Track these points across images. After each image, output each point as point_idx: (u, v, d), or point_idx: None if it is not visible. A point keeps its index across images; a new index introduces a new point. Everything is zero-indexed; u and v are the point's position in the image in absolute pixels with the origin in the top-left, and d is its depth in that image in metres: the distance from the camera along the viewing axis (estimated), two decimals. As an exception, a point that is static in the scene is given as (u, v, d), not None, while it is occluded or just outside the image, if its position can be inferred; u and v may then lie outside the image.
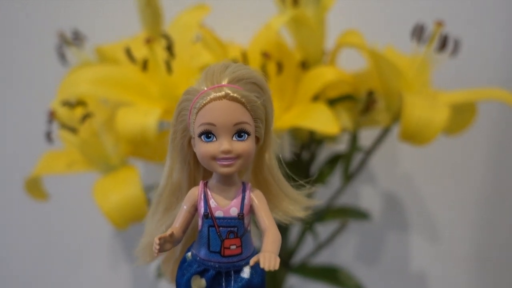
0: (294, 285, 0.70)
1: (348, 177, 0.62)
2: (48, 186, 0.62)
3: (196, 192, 0.34)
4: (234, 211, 0.33)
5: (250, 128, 0.32)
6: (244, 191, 0.34)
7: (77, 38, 0.61)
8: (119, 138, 0.55)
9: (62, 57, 0.60)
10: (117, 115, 0.50)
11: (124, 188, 0.52)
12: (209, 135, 0.32)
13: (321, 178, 0.63)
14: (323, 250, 0.66)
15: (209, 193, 0.33)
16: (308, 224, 0.63)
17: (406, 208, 0.76)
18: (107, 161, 0.56)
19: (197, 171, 0.35)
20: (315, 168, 0.64)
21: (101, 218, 0.52)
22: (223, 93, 0.32)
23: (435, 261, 0.76)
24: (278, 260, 0.31)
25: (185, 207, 0.34)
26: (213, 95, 0.32)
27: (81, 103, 0.55)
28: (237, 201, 0.33)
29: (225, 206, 0.33)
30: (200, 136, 0.32)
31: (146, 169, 0.67)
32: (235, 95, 0.32)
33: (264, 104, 0.33)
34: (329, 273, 0.66)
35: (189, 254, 0.34)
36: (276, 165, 0.35)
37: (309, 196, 0.36)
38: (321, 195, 0.65)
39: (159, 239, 0.32)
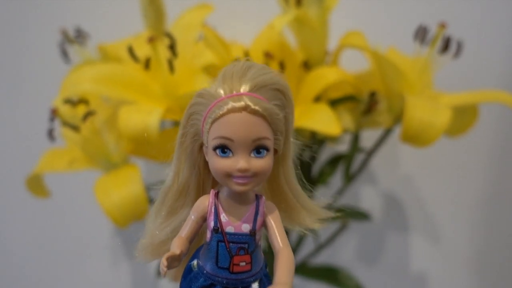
0: (294, 285, 0.70)
1: (349, 178, 0.62)
2: (50, 183, 0.62)
3: (206, 202, 0.31)
4: (246, 228, 0.31)
5: (269, 143, 0.29)
6: (257, 205, 0.31)
7: (79, 36, 0.61)
8: (121, 137, 0.55)
9: (64, 55, 0.60)
10: (119, 114, 0.50)
11: (125, 186, 0.52)
12: (225, 150, 0.29)
13: (322, 178, 0.63)
14: (323, 250, 0.66)
15: (220, 206, 0.31)
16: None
17: (407, 209, 0.76)
18: (108, 159, 0.56)
19: (207, 176, 0.33)
20: (316, 168, 0.64)
21: (102, 216, 0.52)
22: (242, 103, 0.28)
23: (435, 261, 0.76)
24: None
25: (193, 217, 0.32)
26: (231, 105, 0.29)
27: (83, 101, 0.55)
28: (249, 216, 0.31)
29: (237, 221, 0.31)
30: (214, 149, 0.29)
31: (147, 167, 0.67)
32: (256, 107, 0.29)
33: (287, 115, 0.30)
34: (329, 273, 0.66)
35: (195, 263, 0.32)
36: (294, 176, 0.33)
37: (327, 207, 0.34)
38: (322, 195, 0.65)
39: (167, 259, 0.30)
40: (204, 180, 0.33)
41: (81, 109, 0.55)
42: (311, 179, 0.64)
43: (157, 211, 0.34)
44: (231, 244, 0.31)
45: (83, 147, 0.56)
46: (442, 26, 0.55)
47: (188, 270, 0.33)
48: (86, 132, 0.55)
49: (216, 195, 0.32)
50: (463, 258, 0.76)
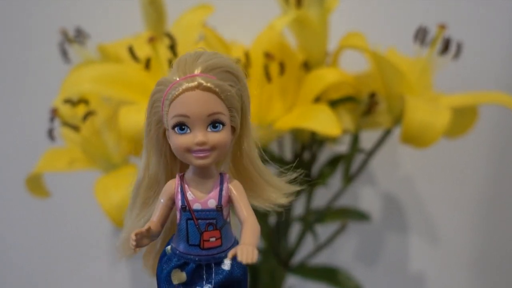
0: (294, 286, 0.70)
1: (349, 179, 0.62)
2: (49, 183, 0.62)
3: (172, 185, 0.33)
4: (212, 203, 0.32)
5: (225, 118, 0.31)
6: (222, 182, 0.33)
7: (79, 36, 0.61)
8: (120, 137, 0.55)
9: (64, 55, 0.60)
10: (119, 114, 0.51)
11: (125, 186, 0.52)
12: (183, 127, 0.31)
13: (322, 179, 0.63)
14: (323, 250, 0.66)
15: (186, 185, 0.33)
16: (308, 225, 0.63)
17: (406, 209, 0.76)
18: (108, 159, 0.56)
19: (174, 163, 0.34)
20: (316, 169, 0.64)
21: (102, 216, 0.52)
22: (195, 83, 0.31)
23: (434, 262, 0.76)
24: (256, 252, 0.30)
25: (162, 200, 0.33)
26: (185, 85, 0.31)
27: (83, 101, 0.55)
28: (215, 192, 0.32)
29: (203, 198, 0.32)
30: (173, 128, 0.31)
31: (147, 167, 0.67)
32: (208, 84, 0.31)
33: (239, 93, 0.32)
34: (328, 273, 0.66)
35: (169, 247, 0.34)
36: (256, 154, 0.34)
37: (291, 181, 0.35)
38: (322, 196, 0.66)
39: (136, 234, 0.31)
40: (172, 167, 0.34)
41: (81, 109, 0.55)
42: (310, 179, 0.64)
43: (132, 205, 0.35)
44: (199, 220, 0.32)
45: (83, 147, 0.56)
46: (442, 27, 0.55)
47: (163, 255, 0.34)
48: (86, 132, 0.55)
49: (182, 177, 0.33)
50: (462, 258, 0.76)
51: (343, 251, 0.76)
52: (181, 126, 0.31)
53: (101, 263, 0.78)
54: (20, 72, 0.75)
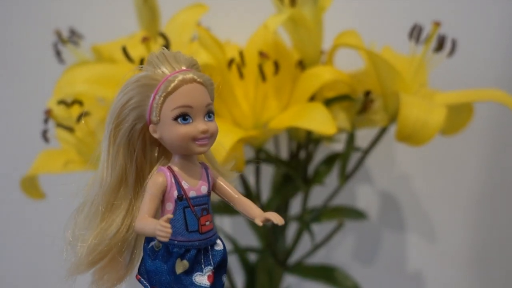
0: (291, 285, 0.70)
1: (345, 177, 0.62)
2: (44, 185, 0.62)
3: (161, 179, 0.33)
4: (204, 189, 0.34)
5: (213, 108, 0.34)
6: (206, 169, 0.35)
7: (73, 37, 0.60)
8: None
9: (58, 55, 0.60)
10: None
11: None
12: (186, 117, 0.32)
13: (318, 177, 0.63)
14: (320, 249, 0.66)
15: (178, 175, 0.34)
16: (305, 224, 0.63)
17: (403, 208, 0.76)
18: (103, 160, 0.56)
19: (144, 160, 0.35)
20: (312, 167, 0.64)
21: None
22: (191, 76, 0.32)
23: (432, 261, 0.76)
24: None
25: (153, 192, 0.33)
26: (182, 77, 0.32)
27: (77, 102, 0.55)
28: (204, 179, 0.34)
29: (196, 185, 0.34)
30: (176, 119, 0.32)
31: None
32: (200, 79, 0.32)
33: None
34: (326, 272, 0.66)
35: (156, 243, 0.34)
36: None
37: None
38: (318, 195, 0.65)
39: (165, 221, 0.31)
40: (142, 165, 0.35)
41: (75, 110, 0.54)
42: (306, 178, 0.64)
43: (92, 214, 0.35)
44: (195, 207, 0.33)
45: (77, 148, 0.56)
46: (437, 24, 0.55)
47: (152, 251, 0.34)
48: (81, 133, 0.55)
49: (169, 168, 0.34)
50: (460, 256, 0.76)
51: (340, 250, 0.76)
52: (184, 117, 0.32)
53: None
54: (14, 73, 0.75)
